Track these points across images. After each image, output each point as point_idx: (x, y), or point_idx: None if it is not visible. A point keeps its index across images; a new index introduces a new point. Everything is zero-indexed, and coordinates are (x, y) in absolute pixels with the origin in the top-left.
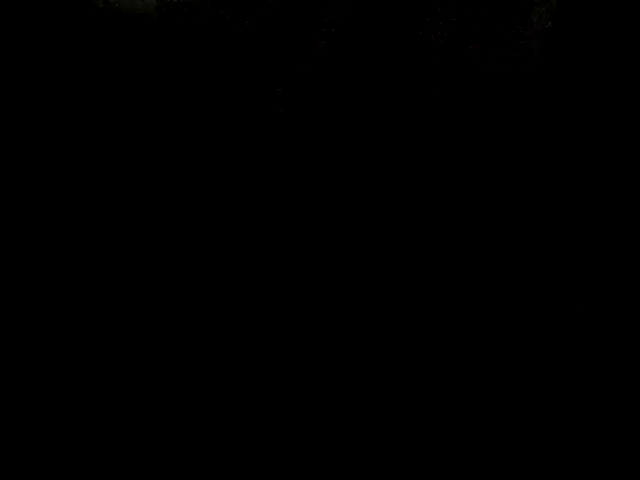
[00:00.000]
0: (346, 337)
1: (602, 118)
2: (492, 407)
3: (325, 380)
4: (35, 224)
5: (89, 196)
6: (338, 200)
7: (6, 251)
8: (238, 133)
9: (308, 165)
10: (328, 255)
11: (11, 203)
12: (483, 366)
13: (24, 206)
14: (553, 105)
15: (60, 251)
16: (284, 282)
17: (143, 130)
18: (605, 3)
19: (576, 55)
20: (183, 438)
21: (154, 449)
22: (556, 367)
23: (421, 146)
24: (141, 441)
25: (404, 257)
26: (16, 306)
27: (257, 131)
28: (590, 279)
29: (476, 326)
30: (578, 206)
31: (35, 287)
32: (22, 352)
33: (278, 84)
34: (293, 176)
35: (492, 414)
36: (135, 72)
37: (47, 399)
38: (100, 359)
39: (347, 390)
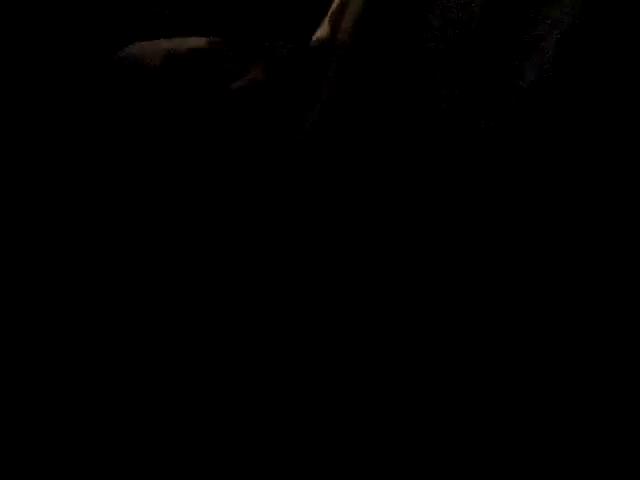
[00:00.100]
0: (346, 337)
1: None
2: (492, 407)
3: (325, 380)
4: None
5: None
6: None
7: (6, 251)
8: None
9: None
10: (329, 254)
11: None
12: (483, 366)
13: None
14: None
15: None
16: (284, 281)
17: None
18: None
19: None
20: (183, 438)
21: (154, 449)
22: (556, 367)
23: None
24: (141, 441)
25: (405, 257)
26: (16, 305)
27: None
28: (591, 279)
29: (476, 325)
30: (578, 206)
31: (32, 286)
32: (22, 352)
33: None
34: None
35: (492, 414)
36: None
37: (47, 399)
38: (100, 358)
39: (347, 390)
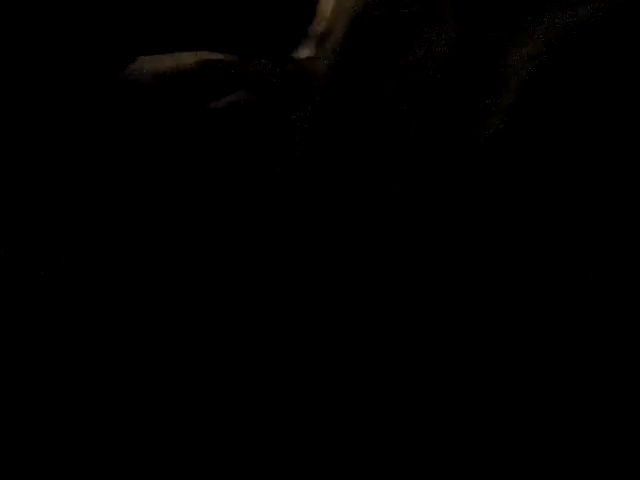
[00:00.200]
0: (346, 337)
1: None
2: (492, 407)
3: (325, 379)
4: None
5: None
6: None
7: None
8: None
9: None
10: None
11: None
12: (483, 366)
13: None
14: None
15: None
16: (284, 280)
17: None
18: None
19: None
20: (183, 438)
21: (154, 449)
22: (556, 367)
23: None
24: (141, 440)
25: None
26: (15, 305)
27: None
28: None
29: (476, 325)
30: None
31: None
32: (22, 352)
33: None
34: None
35: (492, 414)
36: None
37: (47, 399)
38: (100, 358)
39: (347, 390)
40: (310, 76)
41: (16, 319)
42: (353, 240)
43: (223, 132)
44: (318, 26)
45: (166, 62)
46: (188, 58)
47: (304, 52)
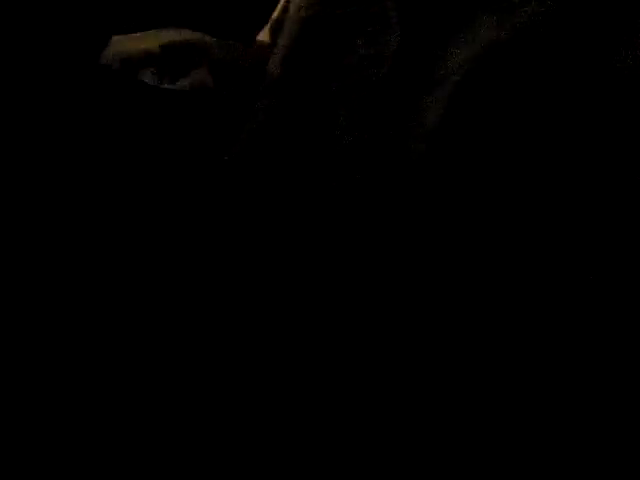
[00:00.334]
0: (346, 336)
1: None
2: (492, 407)
3: (325, 379)
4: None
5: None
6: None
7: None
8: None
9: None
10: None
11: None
12: (483, 366)
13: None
14: None
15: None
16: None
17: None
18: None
19: None
20: (183, 438)
21: (154, 449)
22: (556, 367)
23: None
24: (141, 441)
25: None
26: (14, 305)
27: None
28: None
29: (476, 325)
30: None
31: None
32: (22, 352)
33: None
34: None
35: (492, 414)
36: None
37: (47, 399)
38: (99, 358)
39: (347, 390)
40: (260, 62)
41: (16, 319)
42: (289, 231)
43: (183, 111)
44: (274, 12)
45: (133, 44)
46: (155, 40)
47: (261, 36)
